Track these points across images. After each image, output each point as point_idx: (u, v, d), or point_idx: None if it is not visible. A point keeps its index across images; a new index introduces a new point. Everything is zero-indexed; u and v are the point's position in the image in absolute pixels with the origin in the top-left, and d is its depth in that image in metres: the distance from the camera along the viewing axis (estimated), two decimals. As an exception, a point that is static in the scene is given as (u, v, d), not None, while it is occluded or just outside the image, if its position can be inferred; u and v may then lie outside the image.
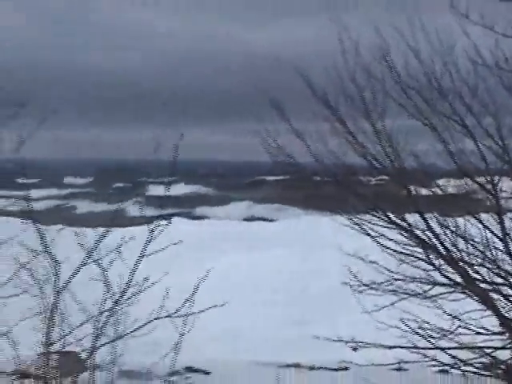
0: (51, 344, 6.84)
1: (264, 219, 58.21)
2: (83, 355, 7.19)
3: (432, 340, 8.71)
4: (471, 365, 9.40)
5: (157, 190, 8.29)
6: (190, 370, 11.64)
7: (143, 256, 6.80)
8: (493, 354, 9.19)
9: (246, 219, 59.59)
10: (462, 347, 8.94)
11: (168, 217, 7.92)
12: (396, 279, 8.50)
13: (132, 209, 8.93)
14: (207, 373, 12.00)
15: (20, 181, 8.01)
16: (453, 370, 9.39)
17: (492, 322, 9.20)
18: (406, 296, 8.54)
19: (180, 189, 74.16)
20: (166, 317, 6.77)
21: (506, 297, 8.97)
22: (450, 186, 9.27)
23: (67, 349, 7.12)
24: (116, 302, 6.74)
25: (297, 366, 12.97)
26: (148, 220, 7.80)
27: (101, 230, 6.91)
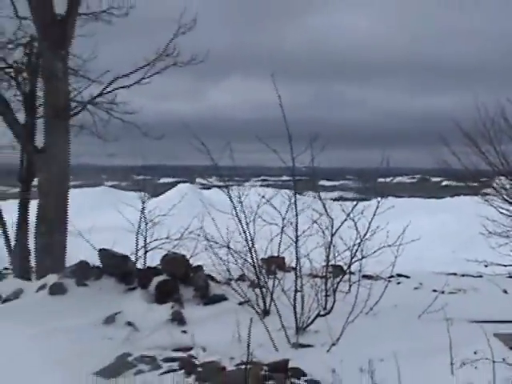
0: (329, 260, 8.72)
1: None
2: (344, 267, 9.05)
3: None
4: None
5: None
6: (399, 275, 13.02)
7: (374, 215, 8.61)
8: None
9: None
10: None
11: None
12: (508, 230, 9.78)
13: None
14: (408, 277, 13.36)
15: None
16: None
17: None
18: None
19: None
20: (389, 246, 8.69)
21: None
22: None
23: (336, 263, 9.03)
24: (361, 240, 8.54)
25: (454, 274, 14.35)
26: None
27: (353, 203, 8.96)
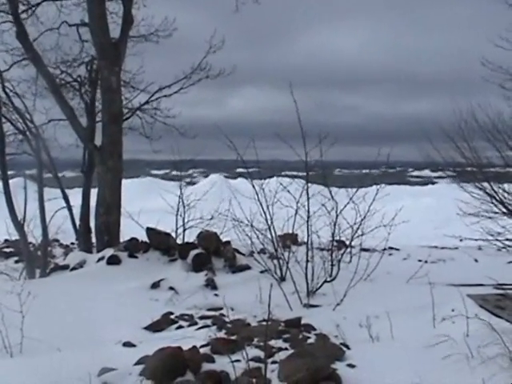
0: (334, 236, 8.72)
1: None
2: (346, 242, 9.03)
3: (495, 236, 9.39)
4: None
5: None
6: (391, 248, 12.86)
7: (373, 199, 8.66)
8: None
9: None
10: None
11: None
12: (478, 211, 9.45)
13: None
14: (398, 249, 13.35)
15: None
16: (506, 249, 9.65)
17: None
18: (482, 218, 9.41)
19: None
20: (384, 226, 8.71)
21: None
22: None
23: (340, 239, 9.03)
24: (362, 219, 8.56)
25: (435, 247, 14.37)
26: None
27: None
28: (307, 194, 8.58)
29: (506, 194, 9.21)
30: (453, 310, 5.75)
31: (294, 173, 9.89)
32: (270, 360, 4.78)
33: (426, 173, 70.28)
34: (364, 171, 10.55)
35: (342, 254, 8.82)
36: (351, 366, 4.80)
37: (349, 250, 9.10)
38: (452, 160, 9.62)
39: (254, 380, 4.36)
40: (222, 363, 4.74)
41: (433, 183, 50.30)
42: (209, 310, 7.75)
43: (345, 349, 5.32)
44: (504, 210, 9.24)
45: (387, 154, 8.66)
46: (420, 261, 10.56)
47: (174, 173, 13.41)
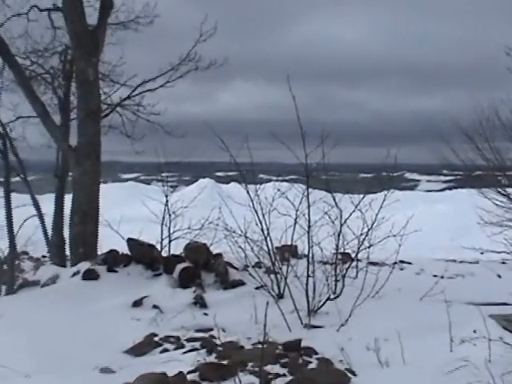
0: (338, 248, 8.67)
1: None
2: (352, 254, 8.90)
3: None
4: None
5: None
6: (401, 261, 12.71)
7: (381, 207, 8.64)
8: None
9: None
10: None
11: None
12: (502, 220, 9.63)
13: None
14: (410, 263, 13.09)
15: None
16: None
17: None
18: (506, 228, 9.59)
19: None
20: (394, 236, 8.68)
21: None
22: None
23: (345, 251, 8.91)
24: (369, 229, 8.55)
25: (453, 261, 14.03)
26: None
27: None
28: (308, 200, 8.52)
29: None
30: (475, 331, 5.72)
31: (293, 176, 9.86)
32: (266, 388, 4.73)
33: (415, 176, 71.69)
34: (362, 175, 10.60)
35: (347, 269, 8.77)
36: (358, 395, 4.76)
37: (355, 263, 9.07)
38: (472, 162, 9.54)
39: (249, 411, 4.31)
40: (211, 392, 4.68)
41: (412, 189, 51.20)
42: (197, 331, 7.71)
43: (350, 375, 5.29)
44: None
45: (389, 157, 8.73)
46: (435, 276, 10.46)
47: (144, 177, 13.41)
